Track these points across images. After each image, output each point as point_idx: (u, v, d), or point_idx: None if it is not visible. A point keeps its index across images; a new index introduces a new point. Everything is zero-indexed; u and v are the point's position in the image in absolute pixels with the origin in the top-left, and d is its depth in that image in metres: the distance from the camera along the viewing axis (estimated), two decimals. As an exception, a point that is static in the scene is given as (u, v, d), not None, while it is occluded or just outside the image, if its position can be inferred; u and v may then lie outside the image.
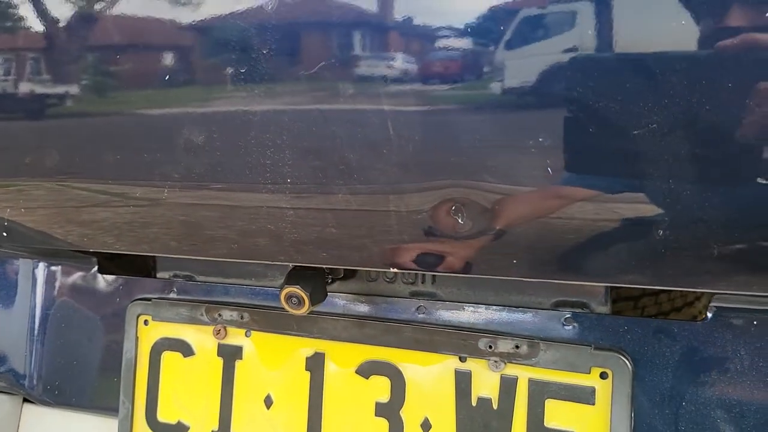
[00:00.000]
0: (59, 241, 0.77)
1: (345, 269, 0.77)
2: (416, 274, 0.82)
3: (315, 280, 0.72)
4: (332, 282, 0.80)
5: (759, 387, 0.68)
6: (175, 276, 0.93)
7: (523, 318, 0.76)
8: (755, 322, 0.68)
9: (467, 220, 0.58)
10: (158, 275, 0.94)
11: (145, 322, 0.91)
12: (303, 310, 0.71)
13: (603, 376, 0.72)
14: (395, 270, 0.63)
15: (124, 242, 0.72)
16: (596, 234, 0.59)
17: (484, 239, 0.59)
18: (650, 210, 0.56)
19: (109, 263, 0.96)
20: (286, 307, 0.71)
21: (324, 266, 0.72)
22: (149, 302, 0.91)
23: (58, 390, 0.96)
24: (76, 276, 0.96)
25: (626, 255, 0.59)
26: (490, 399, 0.76)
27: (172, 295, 0.91)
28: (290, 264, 0.74)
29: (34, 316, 0.97)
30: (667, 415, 0.71)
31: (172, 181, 0.67)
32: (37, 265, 0.97)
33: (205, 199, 0.69)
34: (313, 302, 0.71)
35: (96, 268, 0.95)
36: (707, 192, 0.54)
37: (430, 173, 0.59)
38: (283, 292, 0.71)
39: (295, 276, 0.72)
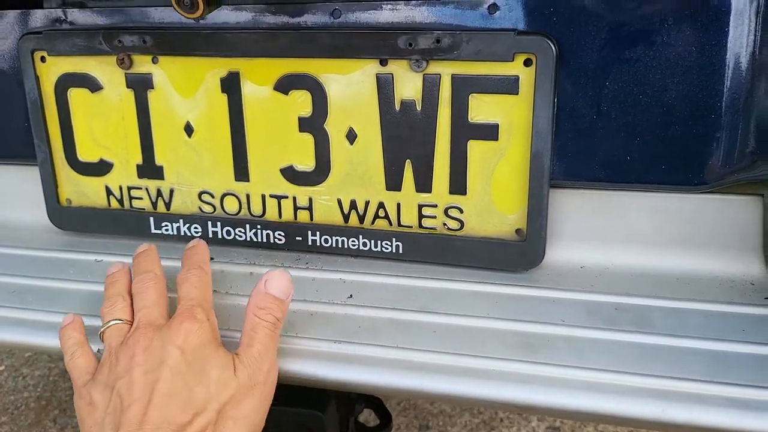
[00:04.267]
0: None
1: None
2: (328, -27, 0.74)
3: (208, -23, 0.64)
4: (235, -11, 0.72)
5: (683, 55, 0.66)
6: (65, 3, 0.83)
7: (444, 10, 0.71)
8: (685, -12, 0.64)
9: None
10: (45, 5, 0.83)
11: (42, 59, 0.83)
12: (198, 14, 0.64)
13: (527, 63, 0.69)
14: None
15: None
16: None
17: None
18: None
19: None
20: (179, 10, 0.64)
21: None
22: (41, 35, 0.82)
23: (-31, 143, 0.91)
24: (-48, 14, 0.85)
25: None
26: (414, 101, 0.73)
27: (66, 26, 0.82)
28: (177, -39, 0.65)
29: None
30: (590, 97, 0.69)
31: None
32: None
33: None
34: (207, 3, 0.63)
35: (-28, 2, 0.84)
36: None
37: None
38: (173, -8, 0.63)
39: (185, -26, 0.64)
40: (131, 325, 0.69)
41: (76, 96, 0.84)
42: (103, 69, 0.82)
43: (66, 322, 0.72)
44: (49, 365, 2.01)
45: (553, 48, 0.67)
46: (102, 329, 0.70)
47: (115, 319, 0.69)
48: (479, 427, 1.69)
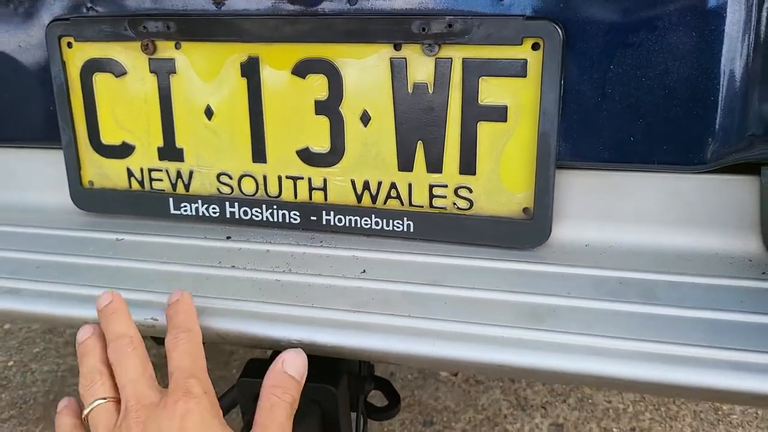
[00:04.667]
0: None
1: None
2: (345, -38, 0.77)
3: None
4: (257, -23, 0.76)
5: (685, 40, 0.69)
6: (91, -8, 0.86)
7: (456, -3, 0.74)
8: (686, -25, 0.67)
9: None
10: (72, -8, 0.87)
11: (69, 44, 0.87)
12: (224, -5, 0.67)
13: (535, 47, 0.72)
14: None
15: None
16: None
17: None
18: None
19: (16, -16, 0.89)
20: (206, -8, 0.67)
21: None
22: (68, 22, 0.86)
23: (-4, 127, 0.95)
24: (-16, 1, 0.89)
25: None
26: (426, 84, 0.77)
27: (92, 13, 0.86)
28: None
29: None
30: (595, 80, 0.73)
31: None
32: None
33: None
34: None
35: (3, -9, 0.88)
36: None
37: None
38: (201, -24, 0.67)
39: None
40: (116, 401, 0.64)
41: (101, 80, 0.87)
42: (128, 54, 0.85)
43: (61, 406, 0.68)
44: (57, 361, 2.03)
45: (560, 32, 0.71)
46: (86, 412, 0.64)
47: (99, 399, 0.64)
48: (483, 423, 1.71)
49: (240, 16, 0.80)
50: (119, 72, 0.86)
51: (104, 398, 0.64)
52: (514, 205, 0.78)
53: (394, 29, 0.76)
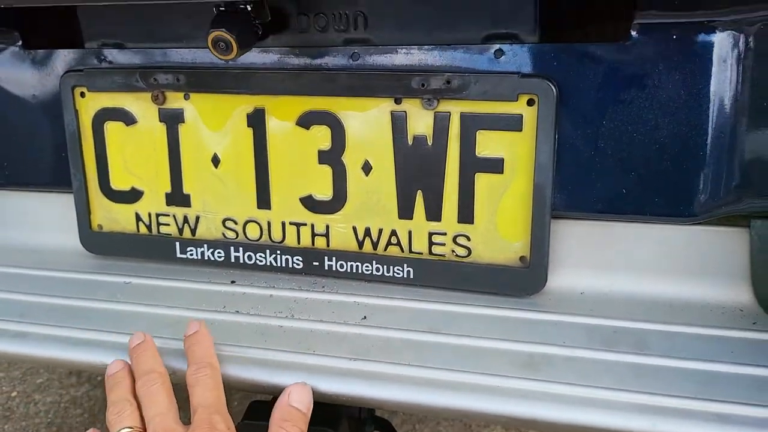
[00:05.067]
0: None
1: (272, 11, 0.75)
2: (347, 20, 0.80)
3: (241, 23, 0.71)
4: (263, 34, 0.79)
5: (673, 98, 0.72)
6: (104, 45, 0.90)
7: (454, 54, 0.77)
8: (674, 36, 0.70)
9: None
10: (86, 45, 0.91)
11: (82, 94, 0.90)
12: (232, 55, 0.70)
13: (530, 102, 0.75)
14: None
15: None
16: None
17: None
18: None
19: (33, 37, 0.92)
20: (214, 52, 0.71)
21: (246, 5, 0.70)
22: (82, 73, 0.89)
23: (8, 171, 0.97)
24: (1, 53, 0.93)
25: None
26: (425, 136, 0.80)
27: (105, 65, 0.90)
28: (214, 8, 0.72)
29: (-34, 97, 0.95)
30: (588, 134, 0.75)
31: None
32: (-44, 42, 0.93)
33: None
34: (240, 46, 0.70)
35: (20, 42, 0.92)
36: None
37: None
38: (210, 37, 0.70)
39: (221, 20, 0.70)
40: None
41: (112, 129, 0.90)
42: (138, 104, 0.88)
43: None
44: (60, 392, 2.04)
45: (554, 90, 0.74)
46: None
47: (126, 427, 0.67)
48: None
49: (247, 69, 0.84)
50: (130, 121, 0.89)
51: (131, 427, 0.67)
52: (511, 253, 0.81)
53: (394, 84, 0.79)
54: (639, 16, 0.71)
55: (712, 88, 0.70)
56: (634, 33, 0.72)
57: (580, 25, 0.84)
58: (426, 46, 0.78)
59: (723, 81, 0.70)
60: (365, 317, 0.80)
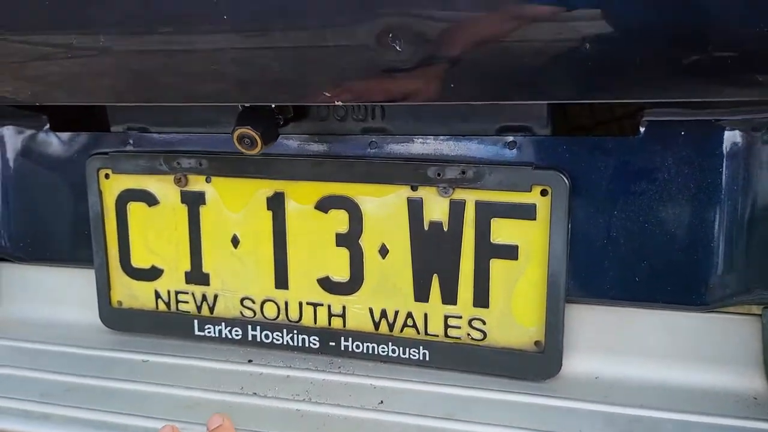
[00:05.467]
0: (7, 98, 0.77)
1: (294, 107, 0.78)
2: (366, 110, 0.84)
3: (265, 120, 0.74)
4: (284, 123, 0.82)
5: (683, 191, 0.74)
6: (129, 129, 0.93)
7: (469, 145, 0.80)
8: (683, 132, 0.73)
9: (406, 48, 0.59)
10: (112, 129, 0.94)
11: (106, 176, 0.93)
12: (256, 150, 0.73)
13: (543, 193, 0.77)
14: (340, 103, 0.65)
15: (73, 94, 0.72)
16: (534, 53, 0.61)
17: (422, 67, 0.61)
18: (582, 28, 0.58)
19: (60, 120, 0.96)
20: (239, 147, 0.73)
21: (271, 104, 0.73)
22: (107, 156, 0.92)
23: (32, 247, 1.00)
24: (30, 135, 0.96)
25: (564, 71, 0.62)
26: (441, 222, 0.82)
27: (129, 148, 0.93)
28: (240, 106, 0.75)
29: (-6, 178, 0.98)
30: (601, 224, 0.77)
31: (113, 28, 0.65)
32: (-12, 127, 0.97)
33: (149, 44, 0.69)
34: (264, 141, 0.73)
35: (47, 125, 0.95)
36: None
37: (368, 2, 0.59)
38: (235, 134, 0.73)
39: (246, 117, 0.74)
40: None
41: (135, 209, 0.93)
42: (161, 186, 0.91)
43: None
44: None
45: (567, 181, 0.76)
46: None
47: None
48: None
49: (269, 155, 0.86)
50: (152, 202, 0.92)
51: None
52: (525, 338, 0.82)
53: (411, 173, 0.81)
54: (648, 113, 0.74)
55: (721, 183, 0.73)
56: (643, 128, 0.74)
57: (591, 120, 0.87)
58: (441, 137, 0.81)
59: (732, 176, 0.72)
60: (382, 402, 0.81)
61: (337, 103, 0.64)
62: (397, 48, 0.58)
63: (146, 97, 0.71)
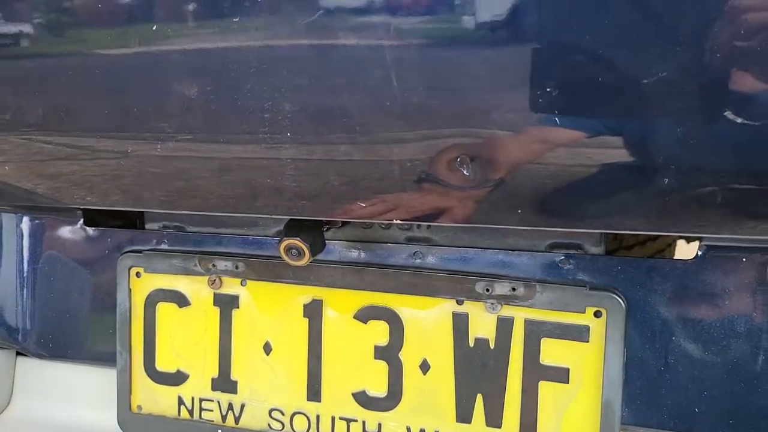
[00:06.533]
0: (46, 199, 0.75)
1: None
2: (412, 219, 0.82)
3: (314, 231, 0.72)
4: (328, 230, 0.80)
5: (743, 320, 0.71)
6: (165, 227, 0.91)
7: (519, 260, 0.78)
8: (743, 259, 0.71)
9: (472, 171, 0.58)
10: (147, 227, 0.92)
11: (137, 274, 0.90)
12: (303, 261, 0.71)
13: (597, 314, 0.74)
14: (398, 222, 0.63)
15: (117, 199, 0.71)
16: (592, 180, 0.59)
17: (486, 190, 0.59)
18: (647, 156, 0.56)
19: (94, 216, 0.94)
20: (286, 259, 0.71)
21: (324, 219, 0.72)
22: (140, 254, 0.90)
23: (52, 343, 0.96)
24: (62, 229, 0.94)
25: (622, 201, 0.60)
26: (487, 339, 0.78)
27: (163, 246, 0.90)
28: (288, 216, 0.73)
29: (22, 270, 0.96)
30: (658, 349, 0.74)
31: (165, 134, 0.64)
32: (21, 220, 0.95)
33: (199, 152, 0.67)
34: (313, 253, 0.71)
35: (81, 221, 0.93)
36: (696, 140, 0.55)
37: (433, 122, 0.58)
38: (283, 245, 0.71)
39: (294, 227, 0.72)
40: None
41: (164, 310, 0.89)
42: (194, 287, 0.88)
43: None
44: None
45: (623, 303, 0.73)
46: None
47: None
48: None
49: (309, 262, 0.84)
50: (183, 303, 0.89)
51: None
52: (576, 468, 0.77)
53: (457, 287, 0.78)
54: (706, 238, 0.72)
55: (786, 313, 0.70)
56: (700, 252, 0.72)
57: (646, 239, 0.85)
58: (490, 250, 0.79)
59: (797, 306, 0.69)
60: None
61: (395, 221, 0.62)
62: (465, 171, 0.57)
63: (200, 207, 0.69)
